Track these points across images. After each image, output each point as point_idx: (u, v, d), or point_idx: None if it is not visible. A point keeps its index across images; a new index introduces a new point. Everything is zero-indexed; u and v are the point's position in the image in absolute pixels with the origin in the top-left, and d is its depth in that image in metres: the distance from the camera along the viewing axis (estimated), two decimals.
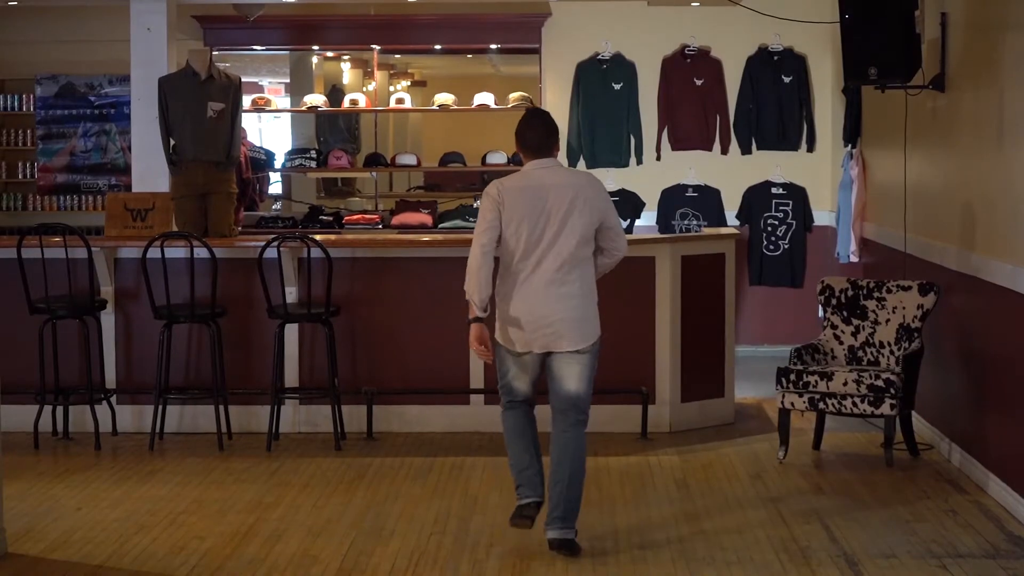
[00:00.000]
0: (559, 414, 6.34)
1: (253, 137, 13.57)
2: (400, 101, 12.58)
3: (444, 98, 12.18)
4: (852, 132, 10.35)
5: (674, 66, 11.65)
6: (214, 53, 10.75)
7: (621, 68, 11.64)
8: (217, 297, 8.47)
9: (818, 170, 11.59)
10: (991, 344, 7.34)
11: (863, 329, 8.33)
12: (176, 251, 8.43)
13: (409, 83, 14.96)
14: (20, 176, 14.01)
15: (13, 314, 8.60)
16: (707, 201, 11.57)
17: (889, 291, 8.25)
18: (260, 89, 14.93)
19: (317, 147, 12.53)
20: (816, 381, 7.83)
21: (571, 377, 6.28)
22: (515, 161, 11.74)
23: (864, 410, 7.74)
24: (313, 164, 12.10)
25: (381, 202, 12.75)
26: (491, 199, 6.29)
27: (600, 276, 6.43)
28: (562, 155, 11.61)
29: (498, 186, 6.33)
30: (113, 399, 8.73)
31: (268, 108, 12.61)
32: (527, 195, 6.26)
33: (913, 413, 8.13)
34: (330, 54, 13.62)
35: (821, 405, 7.86)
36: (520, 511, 6.34)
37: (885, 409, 7.70)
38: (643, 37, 11.67)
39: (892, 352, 8.19)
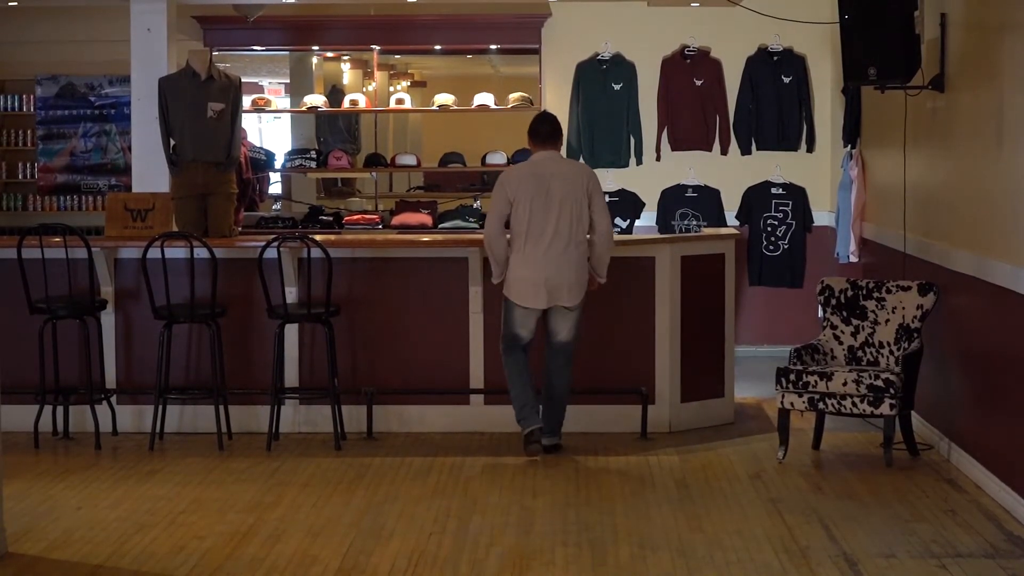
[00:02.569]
0: (552, 355, 8.07)
1: (253, 137, 13.57)
2: (400, 101, 12.59)
3: (444, 98, 12.18)
4: (852, 132, 10.34)
5: (674, 66, 11.65)
6: (214, 53, 10.77)
7: (621, 68, 11.65)
8: (217, 297, 8.47)
9: (818, 170, 11.59)
10: (991, 344, 7.35)
11: (863, 329, 8.33)
12: (176, 251, 8.44)
13: (409, 83, 14.95)
14: (20, 176, 14.03)
15: (13, 314, 8.61)
16: (707, 201, 11.57)
17: (889, 291, 8.25)
18: (260, 89, 14.92)
19: (317, 147, 12.53)
20: (816, 381, 7.84)
21: (563, 330, 8.02)
22: (515, 162, 11.74)
23: (864, 410, 7.75)
24: (313, 164, 12.10)
25: (381, 202, 12.75)
26: (503, 186, 7.97)
27: (599, 259, 8.02)
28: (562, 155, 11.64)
29: (510, 174, 8.07)
30: (113, 399, 8.74)
31: (268, 108, 12.62)
32: (534, 181, 7.91)
33: (912, 413, 8.13)
34: (330, 54, 13.61)
35: (821, 405, 7.86)
36: (528, 438, 8.00)
37: (885, 409, 7.70)
38: (643, 37, 11.67)
39: (892, 352, 8.20)
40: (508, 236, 8.05)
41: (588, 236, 8.04)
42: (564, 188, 7.91)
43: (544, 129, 8.10)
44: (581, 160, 11.64)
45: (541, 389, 8.14)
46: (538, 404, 8.07)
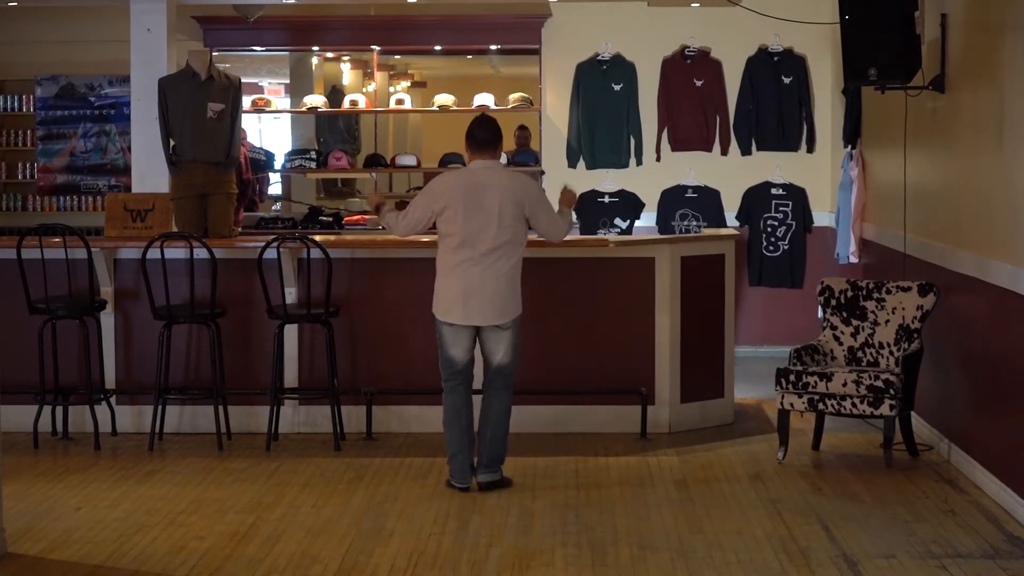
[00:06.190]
0: (488, 380, 7.46)
1: (253, 138, 13.57)
2: (400, 102, 12.59)
3: (444, 99, 12.18)
4: (852, 133, 10.34)
5: (674, 67, 11.65)
6: (214, 54, 10.77)
7: (621, 69, 11.64)
8: (217, 297, 8.47)
9: (818, 171, 11.59)
10: (991, 345, 7.34)
11: (863, 330, 8.33)
12: (176, 251, 8.43)
13: (409, 84, 14.97)
14: (20, 176, 14.02)
15: (13, 314, 8.60)
16: (707, 202, 11.57)
17: (889, 292, 8.25)
18: (260, 90, 14.92)
19: (317, 148, 12.54)
20: (815, 382, 7.83)
21: (498, 351, 7.39)
22: (516, 162, 11.76)
23: (863, 411, 7.74)
24: (313, 165, 12.10)
25: None
26: (429, 194, 7.41)
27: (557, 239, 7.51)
28: (562, 155, 11.68)
29: (440, 182, 7.44)
30: (113, 399, 8.73)
31: (268, 109, 12.62)
32: (468, 191, 7.27)
33: (912, 414, 8.13)
34: (330, 55, 13.63)
35: (820, 406, 7.86)
36: (451, 486, 7.42)
37: (884, 410, 7.70)
38: (643, 38, 11.67)
39: (891, 353, 8.19)
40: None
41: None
42: (498, 200, 7.23)
43: (481, 135, 7.37)
44: (581, 161, 11.66)
45: (479, 419, 7.49)
46: (472, 457, 7.41)
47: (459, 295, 7.30)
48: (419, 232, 7.57)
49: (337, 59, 13.93)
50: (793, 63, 11.53)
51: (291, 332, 8.70)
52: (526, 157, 11.84)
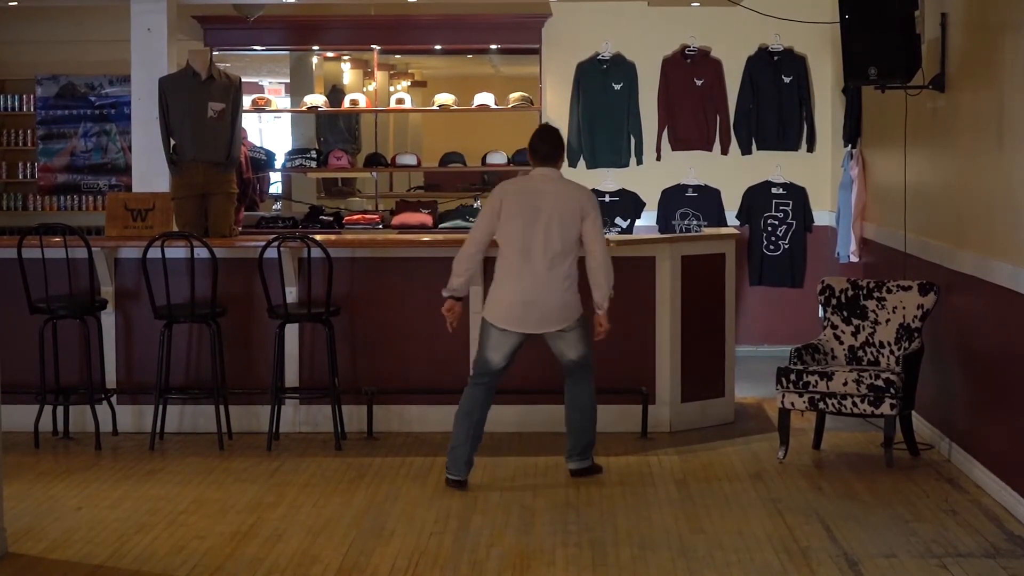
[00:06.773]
0: (567, 374, 7.54)
1: (253, 137, 13.59)
2: (400, 101, 12.59)
3: (444, 98, 12.18)
4: (852, 132, 10.35)
5: (674, 66, 11.65)
6: (214, 53, 10.76)
7: (621, 68, 11.64)
8: (217, 297, 8.47)
9: (818, 170, 11.59)
10: (991, 344, 7.35)
11: (863, 329, 8.33)
12: (176, 251, 8.44)
13: (409, 83, 14.98)
14: (20, 176, 14.04)
15: (13, 314, 8.60)
16: (707, 201, 11.57)
17: (889, 291, 8.25)
18: (260, 89, 14.96)
19: (317, 147, 12.54)
20: (816, 381, 7.83)
21: (568, 350, 7.48)
22: (515, 161, 11.76)
23: (864, 410, 7.75)
24: (313, 164, 12.11)
25: (381, 202, 12.76)
26: (495, 198, 7.48)
27: (599, 281, 7.41)
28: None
29: (503, 188, 7.52)
30: (113, 399, 8.73)
31: (268, 108, 12.63)
32: (526, 197, 7.41)
33: (913, 413, 8.13)
34: (330, 54, 13.63)
35: (821, 405, 7.86)
36: (447, 481, 7.47)
37: (885, 409, 7.70)
38: (643, 37, 11.68)
39: (892, 352, 8.20)
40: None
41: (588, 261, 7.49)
42: (554, 207, 7.33)
43: (544, 149, 7.51)
44: (581, 160, 11.66)
45: (565, 409, 7.59)
46: (471, 456, 7.45)
47: (517, 303, 7.36)
48: (486, 243, 7.50)
49: (337, 59, 13.94)
50: (793, 63, 11.53)
51: (292, 331, 8.70)
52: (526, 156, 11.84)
